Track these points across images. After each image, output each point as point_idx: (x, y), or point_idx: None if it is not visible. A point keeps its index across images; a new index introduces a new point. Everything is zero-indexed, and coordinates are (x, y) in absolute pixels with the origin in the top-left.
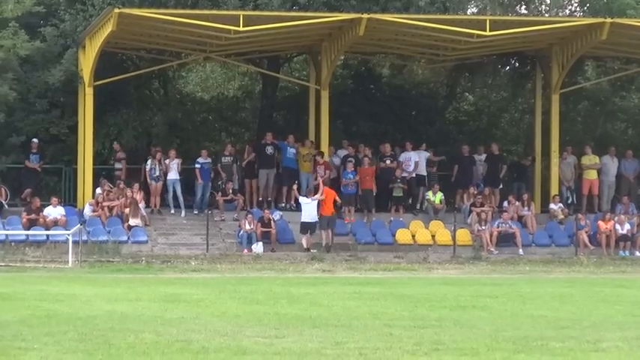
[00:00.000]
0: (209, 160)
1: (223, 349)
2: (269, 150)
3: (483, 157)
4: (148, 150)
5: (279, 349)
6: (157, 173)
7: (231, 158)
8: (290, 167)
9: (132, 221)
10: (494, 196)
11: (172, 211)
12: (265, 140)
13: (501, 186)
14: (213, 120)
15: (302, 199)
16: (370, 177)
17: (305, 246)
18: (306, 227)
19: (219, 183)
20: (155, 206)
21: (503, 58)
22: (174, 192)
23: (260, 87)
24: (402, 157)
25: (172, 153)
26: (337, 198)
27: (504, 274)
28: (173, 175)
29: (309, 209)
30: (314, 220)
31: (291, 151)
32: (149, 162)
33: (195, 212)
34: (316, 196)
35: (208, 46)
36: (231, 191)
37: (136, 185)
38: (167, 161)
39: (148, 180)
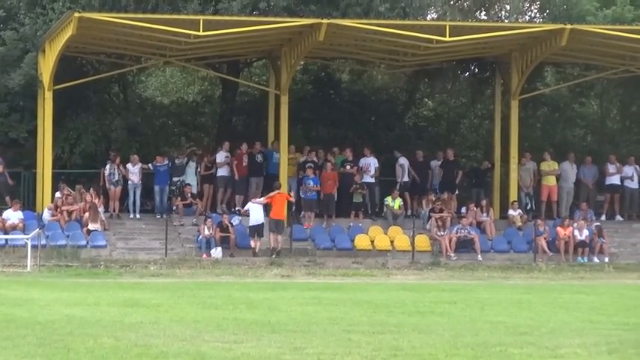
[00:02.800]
0: (166, 162)
1: (182, 354)
2: (258, 158)
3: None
4: (107, 154)
5: (237, 354)
6: (117, 178)
7: (185, 160)
8: (274, 173)
9: (91, 226)
10: (452, 202)
11: (132, 216)
12: (254, 149)
13: (457, 192)
14: (172, 124)
15: (248, 204)
16: (332, 181)
17: (254, 250)
18: (254, 230)
19: (174, 188)
20: (114, 211)
21: (462, 63)
22: (134, 196)
23: (220, 92)
24: (362, 162)
25: (135, 158)
26: (290, 198)
27: (463, 279)
28: (135, 179)
29: (255, 213)
30: (259, 223)
31: (277, 156)
32: (108, 166)
33: (158, 216)
34: (259, 199)
35: (168, 51)
36: (190, 195)
37: (92, 189)
38: (129, 165)
39: (107, 184)
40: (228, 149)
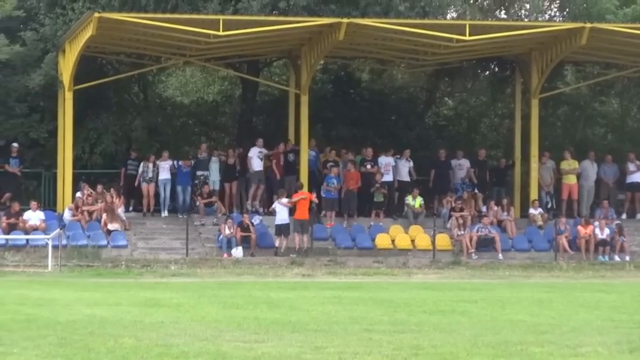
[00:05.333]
0: (191, 163)
1: (203, 353)
2: (291, 157)
3: (462, 161)
4: (128, 154)
5: (258, 353)
6: (150, 175)
7: (206, 155)
8: (310, 170)
9: (110, 226)
10: (479, 201)
11: (164, 214)
12: (287, 148)
13: (488, 191)
14: (192, 124)
15: (275, 204)
16: (354, 181)
17: (279, 247)
18: (280, 229)
19: (197, 182)
20: (148, 208)
21: (482, 62)
22: (164, 193)
23: (240, 91)
24: (382, 161)
25: (165, 154)
26: (314, 199)
27: (484, 278)
28: (164, 175)
29: (281, 212)
30: (284, 222)
31: (312, 153)
32: (141, 164)
33: (180, 216)
34: (284, 200)
35: (188, 51)
36: (207, 194)
37: (112, 189)
38: (159, 161)
39: (138, 181)
40: (262, 146)
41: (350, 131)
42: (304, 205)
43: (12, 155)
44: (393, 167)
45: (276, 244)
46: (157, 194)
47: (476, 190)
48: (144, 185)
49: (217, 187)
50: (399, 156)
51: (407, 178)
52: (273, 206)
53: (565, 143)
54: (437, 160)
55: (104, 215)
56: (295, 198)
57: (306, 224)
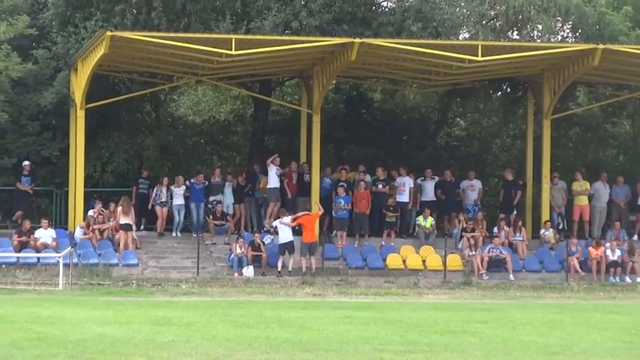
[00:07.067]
0: (203, 181)
1: None
2: (306, 178)
3: (474, 182)
4: (139, 173)
5: None
6: (164, 199)
7: (221, 179)
8: (324, 195)
9: (123, 219)
10: (502, 223)
11: (174, 234)
12: (303, 169)
13: (515, 212)
14: (204, 143)
15: (275, 222)
16: (366, 201)
17: (279, 268)
18: (284, 248)
19: (210, 207)
20: (161, 231)
21: (495, 83)
22: (179, 217)
23: (252, 111)
24: (397, 181)
25: (180, 179)
26: (319, 212)
27: (495, 299)
28: (179, 200)
29: (283, 231)
30: (288, 241)
31: (327, 180)
32: (155, 188)
33: (194, 235)
34: (286, 220)
35: (200, 70)
36: (219, 215)
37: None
38: (173, 187)
39: (151, 204)
40: (279, 164)
41: (362, 151)
42: (312, 226)
43: (24, 173)
44: (413, 188)
45: (280, 264)
46: (169, 216)
47: (497, 211)
48: (158, 208)
49: (232, 211)
50: (424, 177)
51: (433, 198)
52: (274, 225)
53: (577, 164)
54: (443, 181)
55: (118, 209)
56: (299, 214)
57: (314, 246)
